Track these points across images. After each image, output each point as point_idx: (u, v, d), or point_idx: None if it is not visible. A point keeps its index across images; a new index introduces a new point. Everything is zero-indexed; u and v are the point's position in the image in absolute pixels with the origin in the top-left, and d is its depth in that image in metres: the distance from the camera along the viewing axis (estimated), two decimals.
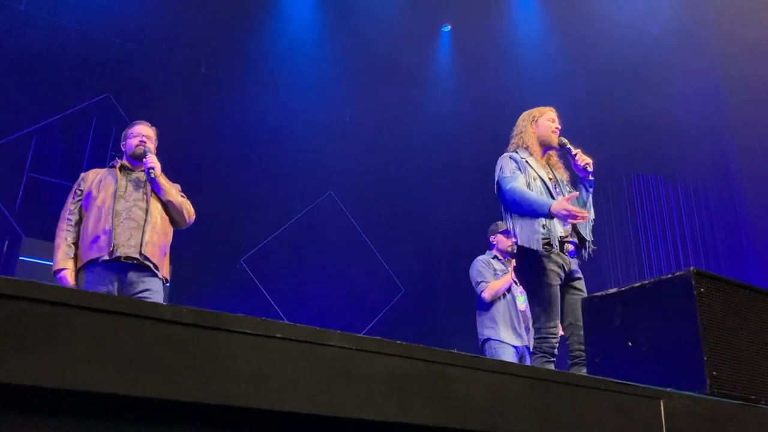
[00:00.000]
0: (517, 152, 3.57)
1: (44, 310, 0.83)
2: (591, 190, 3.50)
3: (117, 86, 7.07)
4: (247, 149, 7.62)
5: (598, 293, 2.11)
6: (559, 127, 3.60)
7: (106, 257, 3.33)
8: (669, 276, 1.96)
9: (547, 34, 8.33)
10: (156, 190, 3.57)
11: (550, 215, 3.25)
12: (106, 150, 7.68)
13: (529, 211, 3.33)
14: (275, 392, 0.98)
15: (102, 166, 8.00)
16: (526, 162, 3.50)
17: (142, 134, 3.70)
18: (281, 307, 7.95)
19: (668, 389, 1.56)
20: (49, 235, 6.78)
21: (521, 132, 3.64)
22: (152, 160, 3.57)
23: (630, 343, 1.97)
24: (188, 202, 3.72)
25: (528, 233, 3.34)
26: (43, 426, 0.84)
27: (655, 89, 7.47)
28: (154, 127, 3.82)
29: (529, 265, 3.36)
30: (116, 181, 3.54)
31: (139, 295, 3.38)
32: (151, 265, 3.43)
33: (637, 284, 2.05)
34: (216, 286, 7.40)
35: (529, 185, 3.40)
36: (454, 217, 8.74)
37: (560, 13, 8.11)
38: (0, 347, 0.78)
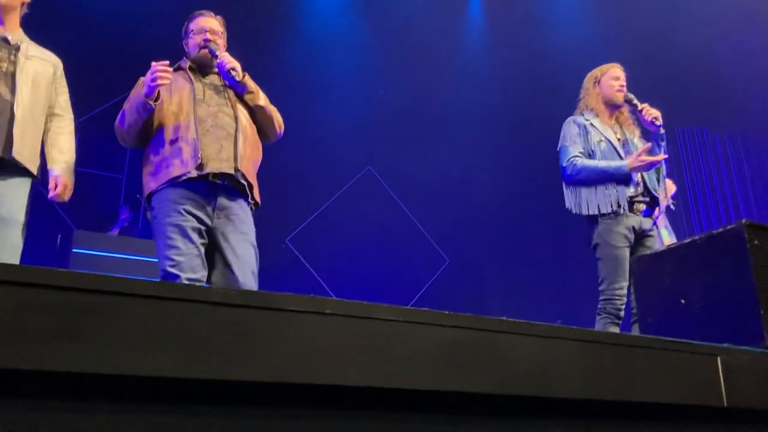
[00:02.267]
0: (582, 115, 3.54)
1: (97, 300, 0.85)
2: (663, 143, 3.44)
3: None
4: (286, 131, 7.66)
5: (647, 252, 2.07)
6: (624, 84, 3.53)
7: (193, 174, 2.61)
8: (720, 230, 1.91)
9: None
10: (239, 92, 2.87)
11: (628, 174, 3.30)
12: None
13: (606, 178, 3.32)
14: (328, 368, 1.00)
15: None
16: (591, 125, 3.47)
17: (205, 29, 2.96)
18: (328, 285, 8.04)
19: (725, 345, 1.53)
20: (99, 226, 6.98)
21: (585, 95, 3.61)
22: (229, 60, 2.84)
23: (683, 301, 1.93)
24: (275, 110, 3.03)
25: (596, 200, 3.34)
26: (106, 411, 0.86)
27: (699, 40, 7.23)
28: (219, 17, 3.06)
29: (597, 231, 3.34)
30: (191, 82, 2.83)
31: (232, 226, 2.70)
32: (246, 185, 2.75)
33: (687, 240, 2.00)
34: (263, 267, 7.50)
35: (592, 151, 3.39)
36: (493, 184, 8.66)
37: None
38: (56, 337, 0.81)
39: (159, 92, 2.66)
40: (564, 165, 3.43)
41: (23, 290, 0.81)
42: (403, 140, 8.52)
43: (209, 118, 2.71)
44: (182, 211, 2.61)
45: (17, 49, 2.73)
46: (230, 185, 2.70)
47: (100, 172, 7.32)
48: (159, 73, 2.60)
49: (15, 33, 2.78)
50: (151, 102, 2.64)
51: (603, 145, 3.41)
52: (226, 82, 2.88)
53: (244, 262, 2.72)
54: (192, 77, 2.84)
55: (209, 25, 2.97)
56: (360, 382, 1.02)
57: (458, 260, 8.94)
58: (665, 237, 4.62)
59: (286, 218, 7.81)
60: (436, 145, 8.59)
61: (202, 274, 2.62)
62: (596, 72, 3.61)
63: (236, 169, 2.67)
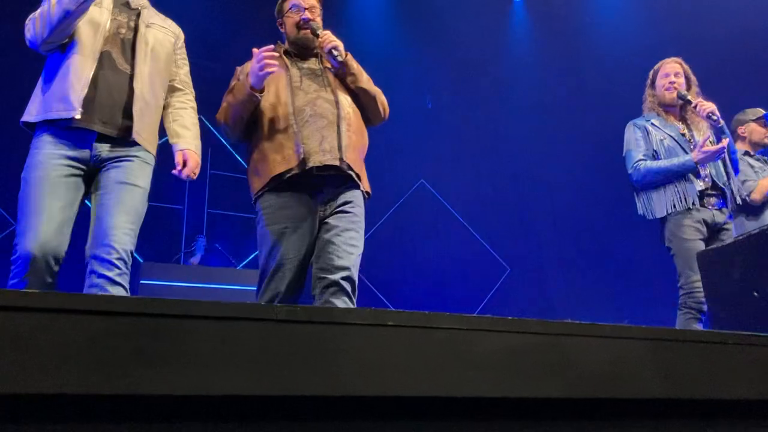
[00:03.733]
0: (643, 117, 3.52)
1: (166, 324, 0.88)
2: (723, 136, 3.37)
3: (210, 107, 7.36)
4: None
5: (714, 245, 2.01)
6: (675, 80, 3.48)
7: (296, 170, 2.45)
8: None
9: None
10: (342, 73, 2.65)
11: (695, 167, 3.26)
12: (205, 170, 8.02)
13: (672, 176, 3.29)
14: (393, 379, 1.00)
15: (203, 190, 8.35)
16: (651, 124, 3.43)
17: (303, 6, 2.72)
18: (389, 300, 8.04)
19: None
20: (165, 256, 7.18)
21: (644, 98, 3.59)
22: (331, 38, 2.62)
23: (755, 293, 1.86)
24: (379, 90, 2.78)
25: (665, 199, 3.30)
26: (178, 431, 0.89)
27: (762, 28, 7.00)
28: None
29: (668, 228, 3.30)
30: (286, 68, 2.62)
31: (340, 214, 2.52)
32: (354, 175, 2.56)
33: (755, 231, 1.93)
34: None
35: (656, 152, 3.36)
36: (550, 190, 8.54)
37: None
38: (129, 362, 0.84)
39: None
40: (630, 172, 3.42)
41: (97, 318, 0.84)
42: (454, 152, 8.51)
43: (307, 107, 2.51)
44: (288, 217, 2.46)
45: (138, 14, 2.52)
46: (336, 176, 2.52)
47: (161, 204, 7.55)
48: (267, 60, 2.41)
49: None
50: (257, 94, 2.48)
51: (666, 142, 3.38)
52: (327, 64, 2.67)
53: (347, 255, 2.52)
54: (288, 62, 2.64)
55: (306, 1, 2.73)
56: (425, 392, 1.02)
57: (519, 268, 8.84)
58: None
59: None
60: (488, 155, 8.54)
61: (295, 285, 2.46)
62: (651, 73, 3.57)
63: (341, 160, 2.48)
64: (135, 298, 0.87)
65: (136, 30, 2.47)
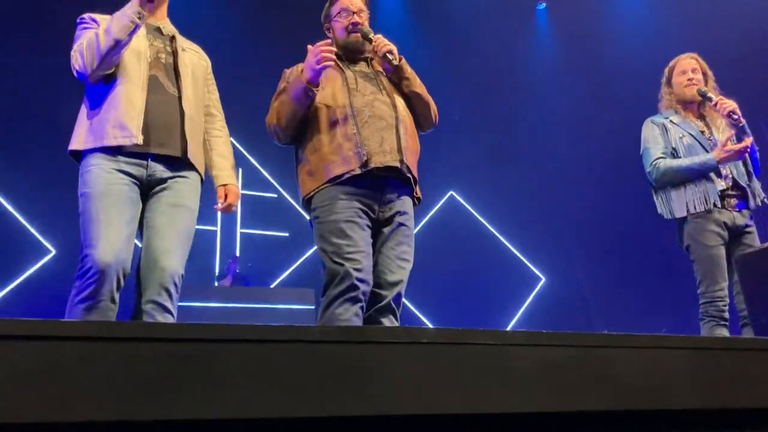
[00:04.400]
0: (661, 114, 3.43)
1: (200, 348, 0.89)
2: (744, 136, 3.26)
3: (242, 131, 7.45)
4: None
5: (752, 249, 1.97)
6: (693, 77, 3.37)
7: (357, 171, 2.40)
8: None
9: None
10: (396, 77, 2.62)
11: (716, 166, 3.14)
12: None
13: (693, 175, 3.17)
14: (429, 397, 1.00)
15: (234, 213, 8.45)
16: (670, 122, 3.33)
17: (352, 10, 2.67)
18: (424, 315, 8.02)
19: None
20: (200, 277, 7.26)
21: (661, 95, 3.49)
22: (384, 42, 2.56)
23: None
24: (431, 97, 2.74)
25: (685, 198, 3.20)
26: None
27: None
28: None
29: (687, 231, 3.19)
30: (341, 70, 2.58)
31: (398, 219, 2.50)
32: (411, 179, 2.52)
33: None
34: None
35: (675, 149, 3.26)
36: (581, 196, 8.46)
37: None
38: (164, 388, 0.85)
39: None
40: (648, 170, 3.31)
41: (130, 345, 0.86)
42: (481, 162, 8.48)
43: (366, 108, 2.47)
44: (352, 208, 2.40)
45: (172, 39, 2.54)
46: (395, 179, 2.47)
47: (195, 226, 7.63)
48: (324, 54, 2.38)
49: (165, 23, 2.61)
50: (314, 88, 2.44)
51: (686, 140, 3.27)
52: (380, 68, 2.63)
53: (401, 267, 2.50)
54: (341, 65, 2.60)
55: (356, 4, 2.68)
56: (462, 409, 1.01)
57: (554, 277, 8.75)
58: None
59: None
60: (516, 164, 8.50)
61: (370, 278, 2.37)
62: (666, 70, 3.48)
63: (401, 162, 2.44)
64: (171, 324, 0.88)
65: (174, 54, 2.50)
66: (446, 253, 8.11)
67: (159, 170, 2.35)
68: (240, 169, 8.16)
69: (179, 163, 2.40)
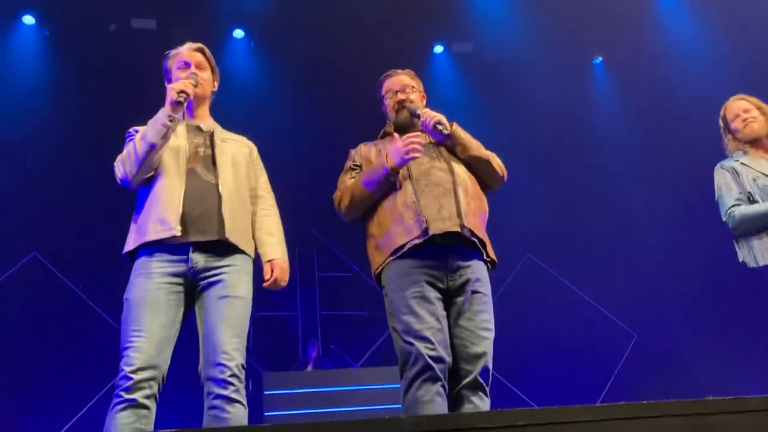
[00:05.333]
0: (730, 157, 3.32)
1: None
2: None
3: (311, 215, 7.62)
4: None
5: None
6: (747, 116, 3.28)
7: (417, 240, 2.40)
8: None
9: (696, 34, 7.81)
10: (450, 144, 2.67)
11: None
12: (313, 274, 8.24)
13: None
14: None
15: (313, 294, 8.52)
16: (740, 164, 3.20)
17: (396, 89, 2.81)
18: (514, 386, 7.78)
19: None
20: (286, 365, 7.31)
21: (725, 144, 3.40)
22: (432, 115, 2.65)
23: None
24: (493, 154, 2.75)
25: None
26: None
27: None
28: (407, 70, 2.92)
29: None
30: None
31: (472, 286, 2.46)
32: (477, 242, 2.50)
33: None
34: None
35: (750, 193, 3.10)
36: (664, 247, 8.18)
37: (706, 8, 7.62)
38: None
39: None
40: (725, 219, 3.16)
41: None
42: (554, 220, 8.34)
43: (422, 177, 2.51)
44: (419, 282, 2.38)
45: (211, 134, 2.66)
46: (460, 244, 2.45)
47: (275, 313, 7.76)
48: (414, 146, 2.47)
49: (206, 121, 2.74)
50: (396, 174, 2.52)
51: (761, 181, 3.11)
52: (434, 138, 2.68)
53: (480, 336, 2.43)
54: (398, 138, 2.63)
55: (399, 83, 2.81)
56: None
57: (646, 333, 8.37)
58: None
59: None
60: (590, 220, 8.32)
61: (445, 353, 2.32)
62: (720, 119, 3.40)
63: (462, 226, 2.42)
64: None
65: (212, 146, 2.60)
66: (530, 318, 7.91)
67: (201, 260, 2.40)
68: (314, 252, 8.31)
69: (224, 248, 2.43)
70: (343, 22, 7.51)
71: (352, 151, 2.79)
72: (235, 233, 2.44)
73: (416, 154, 2.47)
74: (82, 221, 6.94)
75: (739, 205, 3.10)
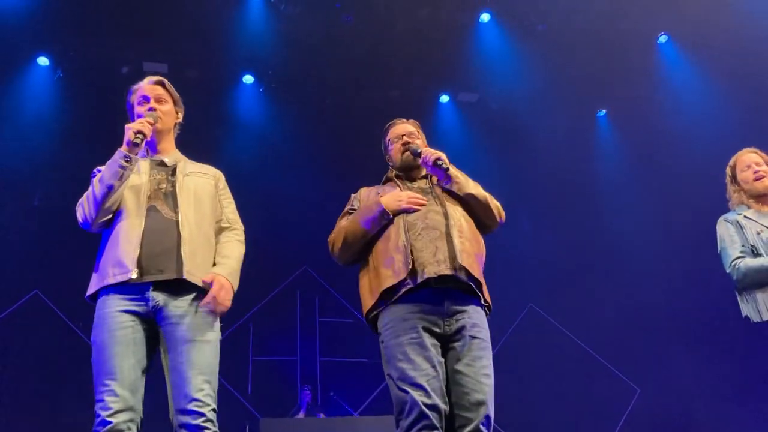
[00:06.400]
0: (733, 210, 3.30)
1: None
2: None
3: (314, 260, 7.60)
4: None
5: None
6: (759, 168, 3.27)
7: (410, 284, 2.40)
8: None
9: (698, 88, 7.92)
10: (446, 183, 2.69)
11: None
12: (314, 319, 8.17)
13: None
14: None
15: (313, 339, 8.44)
16: (744, 217, 3.18)
17: (401, 134, 2.89)
18: None
19: None
20: (283, 411, 7.19)
21: (728, 196, 3.38)
22: (432, 152, 2.70)
23: None
24: (490, 195, 2.79)
25: None
26: None
27: None
28: (411, 120, 3.00)
29: None
30: (399, 189, 2.73)
31: (469, 332, 2.42)
32: (473, 285, 2.47)
33: None
34: None
35: (754, 246, 3.09)
36: (668, 300, 8.12)
37: (709, 62, 7.74)
38: None
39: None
40: (728, 271, 3.12)
41: None
42: (557, 271, 8.32)
43: (419, 221, 2.53)
44: (414, 328, 2.36)
45: (174, 169, 2.62)
46: (456, 288, 2.44)
47: (274, 358, 7.67)
48: (416, 203, 2.57)
49: (171, 154, 2.70)
50: (390, 215, 2.58)
51: (764, 235, 3.08)
52: (435, 180, 2.75)
53: (480, 382, 2.39)
54: (399, 184, 2.76)
55: (404, 129, 2.91)
56: None
57: (650, 387, 8.25)
58: None
59: None
60: (592, 271, 8.29)
61: (441, 401, 2.28)
62: (728, 168, 3.39)
63: (455, 268, 2.41)
64: None
65: (174, 182, 2.57)
66: (532, 369, 7.82)
67: (161, 299, 2.36)
68: (316, 298, 8.26)
69: (185, 287, 2.39)
70: (351, 69, 7.64)
71: (353, 195, 2.83)
72: (194, 272, 2.40)
73: (415, 208, 2.55)
74: (84, 260, 6.93)
75: (743, 257, 3.06)
